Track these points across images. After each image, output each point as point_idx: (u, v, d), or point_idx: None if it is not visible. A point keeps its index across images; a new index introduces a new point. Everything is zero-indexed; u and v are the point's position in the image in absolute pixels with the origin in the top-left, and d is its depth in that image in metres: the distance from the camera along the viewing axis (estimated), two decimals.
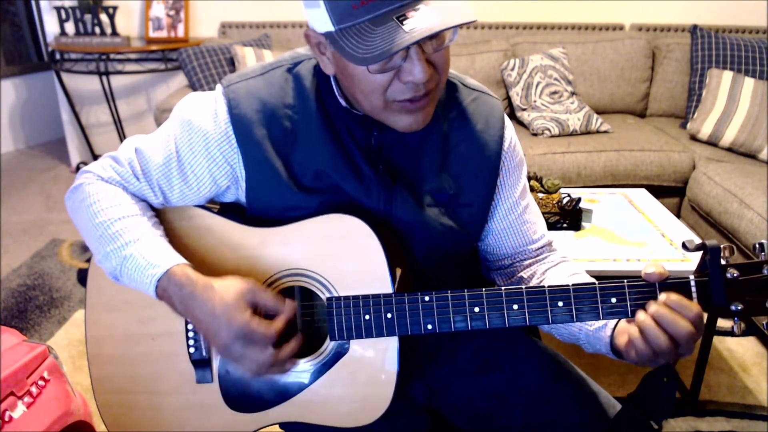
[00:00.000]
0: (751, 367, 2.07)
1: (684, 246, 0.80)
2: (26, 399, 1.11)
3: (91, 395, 1.01)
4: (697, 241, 0.79)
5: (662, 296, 0.78)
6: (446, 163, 0.97)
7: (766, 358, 2.12)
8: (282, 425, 0.99)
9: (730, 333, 2.21)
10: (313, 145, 0.92)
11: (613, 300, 0.81)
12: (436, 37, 0.79)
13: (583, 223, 1.94)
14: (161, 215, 0.98)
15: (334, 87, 0.92)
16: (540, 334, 1.15)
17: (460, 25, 0.75)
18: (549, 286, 0.83)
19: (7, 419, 1.06)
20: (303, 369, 0.93)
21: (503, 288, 0.84)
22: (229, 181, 0.96)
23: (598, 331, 0.89)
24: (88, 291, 1.00)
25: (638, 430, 0.86)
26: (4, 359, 1.12)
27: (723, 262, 0.78)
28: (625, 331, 0.84)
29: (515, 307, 0.84)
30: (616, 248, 1.82)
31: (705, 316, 1.89)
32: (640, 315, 0.78)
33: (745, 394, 1.94)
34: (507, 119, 1.02)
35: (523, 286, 0.84)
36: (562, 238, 1.87)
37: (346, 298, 0.89)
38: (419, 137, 0.95)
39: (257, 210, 0.96)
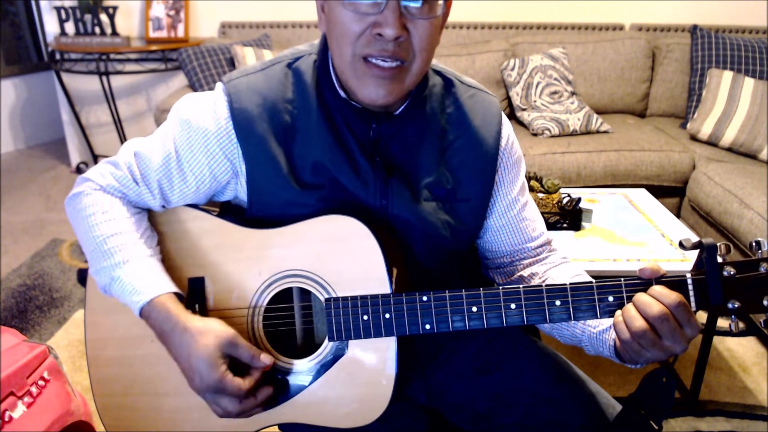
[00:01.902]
0: (751, 367, 2.07)
1: (681, 244, 0.80)
2: (26, 399, 1.11)
3: (91, 395, 1.01)
4: (694, 239, 0.80)
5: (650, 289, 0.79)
6: (444, 157, 0.97)
7: (766, 358, 2.12)
8: (281, 426, 0.99)
9: (729, 333, 2.21)
10: (312, 138, 0.93)
11: (610, 298, 0.81)
12: (423, 5, 0.82)
13: (583, 223, 1.94)
14: (160, 217, 0.98)
15: (333, 78, 0.92)
16: (540, 334, 1.15)
17: None
18: (546, 285, 0.83)
19: (7, 419, 1.06)
20: (302, 370, 0.93)
21: (501, 287, 0.84)
22: (229, 177, 0.96)
23: (602, 333, 0.89)
24: (87, 293, 1.00)
25: (638, 431, 0.86)
26: (4, 359, 1.12)
27: (720, 259, 0.78)
28: None
29: (513, 306, 0.84)
30: (616, 248, 1.82)
31: (705, 315, 1.88)
32: (627, 305, 0.80)
33: (745, 394, 1.94)
34: (504, 117, 1.03)
35: (521, 286, 0.84)
36: (562, 238, 1.87)
37: (344, 298, 0.89)
38: (417, 131, 0.96)
39: (258, 205, 0.96)
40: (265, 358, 0.87)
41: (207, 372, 0.83)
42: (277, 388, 0.92)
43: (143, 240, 0.93)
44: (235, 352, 0.86)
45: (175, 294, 0.90)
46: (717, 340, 2.18)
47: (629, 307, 0.79)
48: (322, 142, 0.93)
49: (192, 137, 0.93)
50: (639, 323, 0.76)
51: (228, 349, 0.85)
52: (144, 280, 0.89)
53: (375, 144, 0.94)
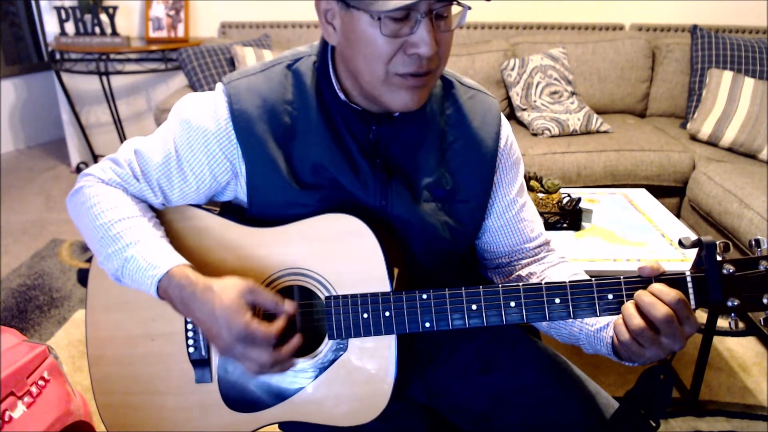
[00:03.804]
0: (751, 367, 2.07)
1: (680, 243, 0.81)
2: (26, 399, 1.11)
3: (91, 395, 1.01)
4: (694, 237, 0.80)
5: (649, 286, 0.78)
6: (443, 159, 0.97)
7: (766, 358, 2.12)
8: (281, 425, 0.99)
9: (729, 332, 2.21)
10: (312, 140, 0.93)
11: (610, 296, 0.81)
12: (446, 16, 0.83)
13: (583, 223, 1.94)
14: (161, 216, 0.99)
15: (333, 81, 0.92)
16: (540, 334, 1.15)
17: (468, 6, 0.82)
18: (546, 283, 0.83)
19: (7, 419, 1.06)
20: (302, 368, 0.93)
21: (500, 285, 0.84)
22: (229, 177, 0.96)
23: (599, 331, 0.89)
24: (88, 292, 1.00)
25: (636, 429, 0.86)
26: (4, 359, 1.12)
27: (719, 258, 0.78)
28: None
29: (512, 304, 0.84)
30: (616, 248, 1.82)
31: (705, 316, 1.88)
32: (626, 303, 0.79)
33: (745, 394, 1.94)
34: (503, 118, 1.03)
35: (521, 284, 0.84)
36: (562, 238, 1.87)
37: (345, 296, 0.89)
38: (417, 132, 0.96)
39: (258, 206, 0.96)
40: (289, 304, 0.86)
41: (233, 320, 0.82)
42: (277, 386, 0.92)
43: (152, 224, 0.93)
44: (258, 298, 0.85)
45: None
46: (717, 340, 2.18)
47: (628, 305, 0.79)
48: (321, 144, 0.93)
49: (192, 137, 0.93)
50: (637, 321, 0.77)
51: (250, 296, 0.84)
52: (159, 254, 0.88)
53: (375, 145, 0.94)
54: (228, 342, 0.83)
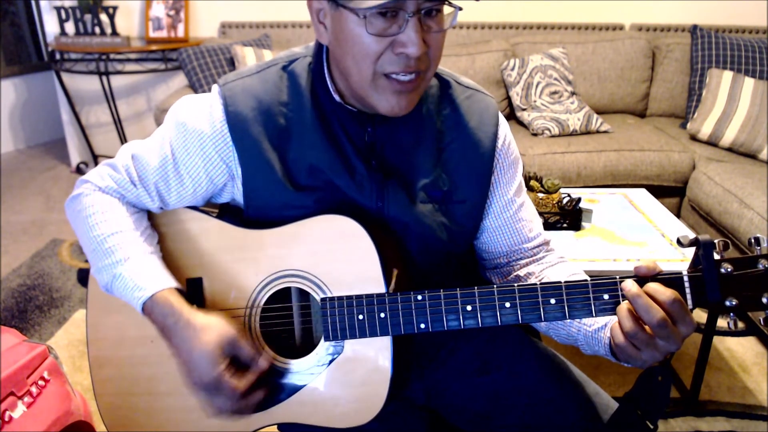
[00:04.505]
0: (751, 367, 2.07)
1: (678, 242, 0.79)
2: (26, 399, 1.11)
3: (91, 395, 1.01)
4: (692, 236, 0.79)
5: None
6: (440, 159, 0.97)
7: (766, 358, 2.12)
8: (280, 426, 0.99)
9: (728, 332, 2.21)
10: (307, 142, 0.93)
11: (606, 296, 0.80)
12: (436, 16, 0.82)
13: (583, 223, 1.94)
14: (158, 219, 0.99)
15: (328, 82, 0.92)
16: (540, 334, 1.15)
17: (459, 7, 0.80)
18: (541, 283, 0.83)
19: (7, 419, 1.06)
20: (299, 370, 0.93)
21: (495, 286, 0.84)
22: (226, 179, 0.96)
23: (597, 332, 0.89)
24: (89, 293, 1.00)
25: (634, 430, 0.85)
26: (4, 359, 1.12)
27: (717, 257, 0.76)
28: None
29: (507, 305, 0.83)
30: (616, 248, 1.82)
31: (705, 315, 1.88)
32: (621, 304, 0.79)
33: (745, 394, 1.94)
34: (502, 117, 1.02)
35: (516, 284, 0.84)
36: (562, 238, 1.87)
37: (340, 298, 0.89)
38: (413, 133, 0.95)
39: (254, 208, 0.96)
40: (263, 362, 0.87)
41: (206, 369, 0.83)
42: (274, 387, 0.93)
43: (143, 238, 0.93)
44: (237, 351, 0.86)
45: (177, 290, 0.90)
46: (717, 340, 2.18)
47: (623, 307, 0.78)
48: (317, 145, 0.93)
49: (188, 140, 0.94)
50: (631, 323, 0.76)
51: (229, 348, 0.85)
52: (145, 276, 0.89)
53: (371, 147, 0.94)
54: (196, 384, 0.85)
